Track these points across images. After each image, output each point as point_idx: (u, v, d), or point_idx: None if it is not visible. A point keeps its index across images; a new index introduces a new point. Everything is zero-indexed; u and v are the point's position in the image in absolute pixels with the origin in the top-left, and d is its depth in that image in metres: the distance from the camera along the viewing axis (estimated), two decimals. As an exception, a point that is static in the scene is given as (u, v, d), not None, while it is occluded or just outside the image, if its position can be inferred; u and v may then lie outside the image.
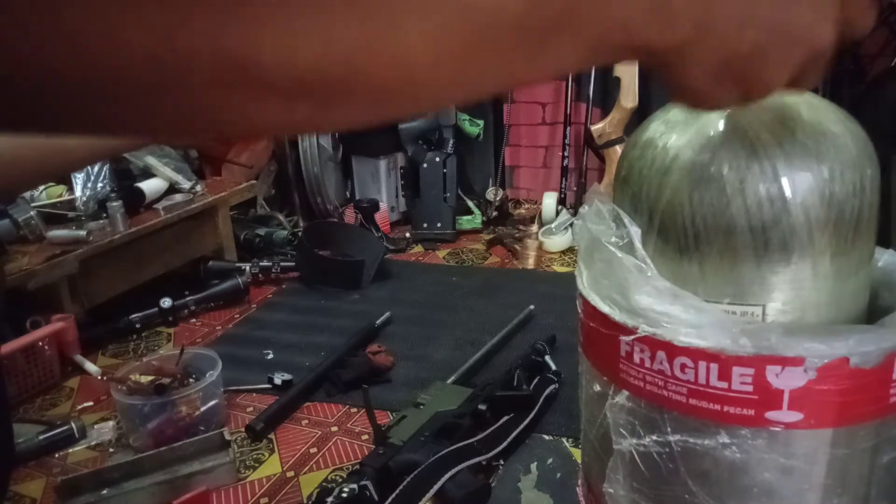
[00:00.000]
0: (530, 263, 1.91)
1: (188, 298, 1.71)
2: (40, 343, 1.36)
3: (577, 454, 1.05)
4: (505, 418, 1.10)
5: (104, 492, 1.01)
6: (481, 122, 2.33)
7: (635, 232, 0.44)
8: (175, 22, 0.17)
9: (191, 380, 1.19)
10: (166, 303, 1.66)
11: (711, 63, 0.26)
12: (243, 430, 1.17)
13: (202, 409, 1.14)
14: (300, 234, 2.02)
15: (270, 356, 1.45)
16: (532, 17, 0.22)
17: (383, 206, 2.25)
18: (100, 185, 1.68)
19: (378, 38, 0.19)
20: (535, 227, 1.97)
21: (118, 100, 0.19)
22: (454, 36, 0.21)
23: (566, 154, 2.30)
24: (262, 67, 0.18)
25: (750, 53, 0.26)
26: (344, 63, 0.19)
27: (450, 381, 1.25)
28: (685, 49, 0.25)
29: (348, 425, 1.19)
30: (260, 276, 1.89)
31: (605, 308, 0.45)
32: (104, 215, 1.63)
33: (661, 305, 0.41)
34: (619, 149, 1.96)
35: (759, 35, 0.26)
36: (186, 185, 1.84)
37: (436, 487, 0.94)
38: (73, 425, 1.17)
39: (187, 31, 0.17)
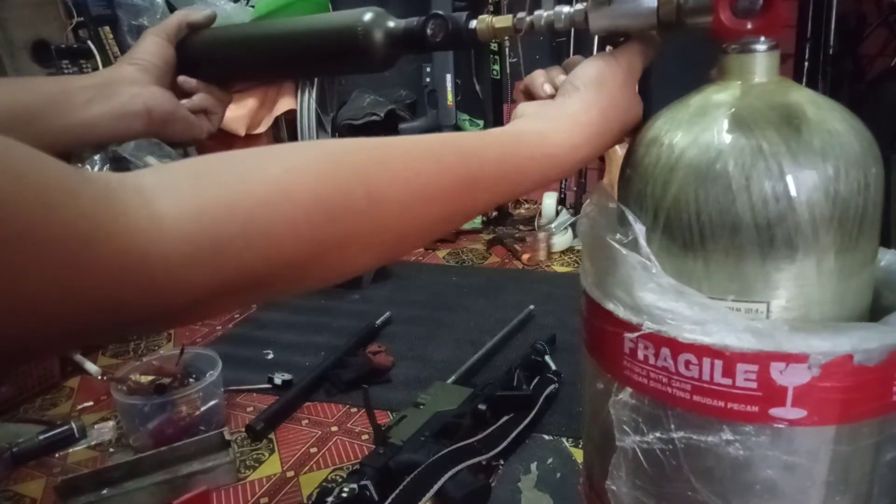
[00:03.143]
0: (542, 256, 1.92)
1: (188, 298, 1.70)
2: (40, 343, 1.36)
3: (577, 454, 1.05)
4: (505, 418, 1.10)
5: (104, 492, 1.01)
6: (481, 122, 2.33)
7: (640, 229, 0.44)
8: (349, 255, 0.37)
9: (191, 380, 1.19)
10: (166, 303, 1.65)
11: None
12: (243, 430, 1.17)
13: (202, 409, 1.14)
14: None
15: (270, 356, 1.45)
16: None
17: (383, 206, 2.24)
18: (99, 184, 1.68)
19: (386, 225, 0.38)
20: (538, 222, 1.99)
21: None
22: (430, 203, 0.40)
23: (566, 155, 2.29)
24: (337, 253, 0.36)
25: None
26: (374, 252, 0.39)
27: (450, 381, 1.24)
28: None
29: (348, 425, 1.19)
30: (260, 276, 1.88)
31: (609, 305, 0.45)
32: (104, 215, 1.63)
33: (666, 302, 0.41)
34: (619, 149, 1.96)
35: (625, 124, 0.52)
36: (186, 184, 1.84)
37: (436, 487, 0.94)
38: (73, 425, 1.17)
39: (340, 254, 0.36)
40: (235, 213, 0.31)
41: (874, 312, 0.46)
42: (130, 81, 0.61)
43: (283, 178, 0.33)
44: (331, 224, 0.34)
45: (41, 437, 1.15)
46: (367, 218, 0.36)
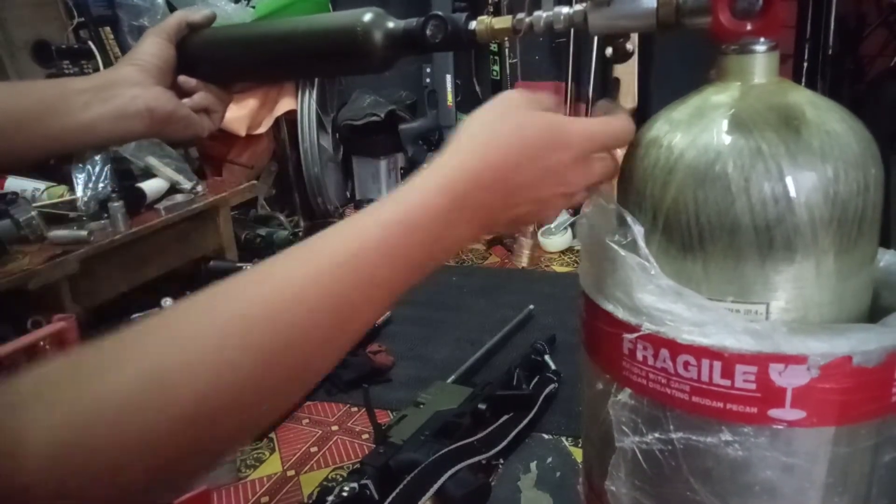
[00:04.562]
0: (524, 262, 1.93)
1: (189, 298, 1.70)
2: (41, 343, 1.36)
3: (576, 453, 1.05)
4: (505, 417, 1.10)
5: (105, 491, 1.01)
6: (481, 123, 2.32)
7: (639, 231, 0.44)
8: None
9: (191, 379, 1.19)
10: (167, 303, 1.65)
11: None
12: (244, 429, 1.17)
13: (203, 408, 1.14)
14: (301, 234, 2.02)
15: (271, 356, 1.45)
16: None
17: (383, 206, 2.24)
18: (101, 185, 1.68)
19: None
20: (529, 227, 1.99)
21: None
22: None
23: (566, 154, 2.29)
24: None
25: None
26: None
27: (450, 380, 1.25)
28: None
29: (349, 424, 1.19)
30: (260, 275, 1.87)
31: (608, 306, 0.45)
32: (105, 215, 1.63)
33: (665, 304, 0.41)
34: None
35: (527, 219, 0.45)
36: (187, 185, 1.84)
37: (436, 486, 0.94)
38: (74, 424, 1.17)
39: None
40: (97, 445, 0.28)
41: (873, 313, 0.46)
42: (131, 83, 0.61)
43: (156, 393, 0.30)
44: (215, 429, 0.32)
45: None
46: (255, 408, 0.33)
